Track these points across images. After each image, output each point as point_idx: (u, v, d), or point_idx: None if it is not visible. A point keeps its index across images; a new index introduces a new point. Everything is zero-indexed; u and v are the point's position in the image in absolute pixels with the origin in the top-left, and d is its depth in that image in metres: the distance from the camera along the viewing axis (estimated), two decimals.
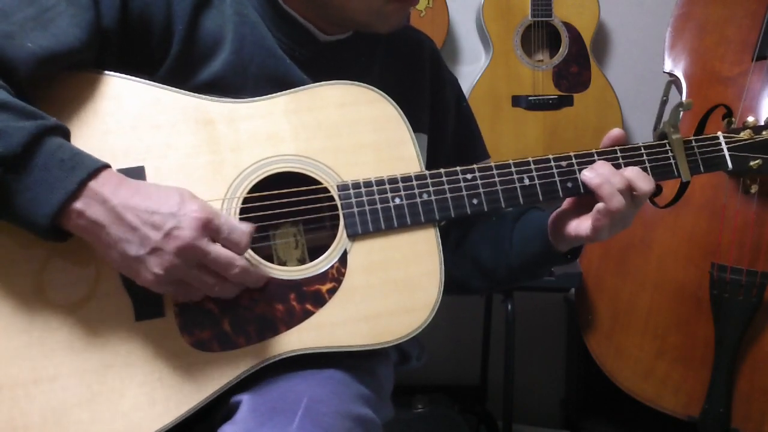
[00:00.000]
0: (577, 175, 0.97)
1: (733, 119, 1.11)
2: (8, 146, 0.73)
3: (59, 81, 0.86)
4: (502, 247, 1.09)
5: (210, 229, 0.78)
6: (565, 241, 1.01)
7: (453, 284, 1.14)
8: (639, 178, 0.94)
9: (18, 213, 0.75)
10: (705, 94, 1.69)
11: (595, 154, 0.99)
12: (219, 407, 0.87)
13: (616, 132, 1.00)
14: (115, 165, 0.84)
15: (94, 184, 0.76)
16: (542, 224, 1.04)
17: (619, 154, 0.99)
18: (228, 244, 0.80)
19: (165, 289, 0.80)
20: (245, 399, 0.84)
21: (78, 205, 0.76)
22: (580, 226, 0.97)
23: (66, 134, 0.80)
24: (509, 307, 1.81)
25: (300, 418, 0.80)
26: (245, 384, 0.86)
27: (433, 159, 1.12)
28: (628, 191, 0.93)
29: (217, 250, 0.78)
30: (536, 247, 1.05)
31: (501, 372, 1.85)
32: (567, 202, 1.02)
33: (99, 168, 0.77)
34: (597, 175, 0.94)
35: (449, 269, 1.13)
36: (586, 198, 0.97)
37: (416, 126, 1.01)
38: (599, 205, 0.93)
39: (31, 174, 0.74)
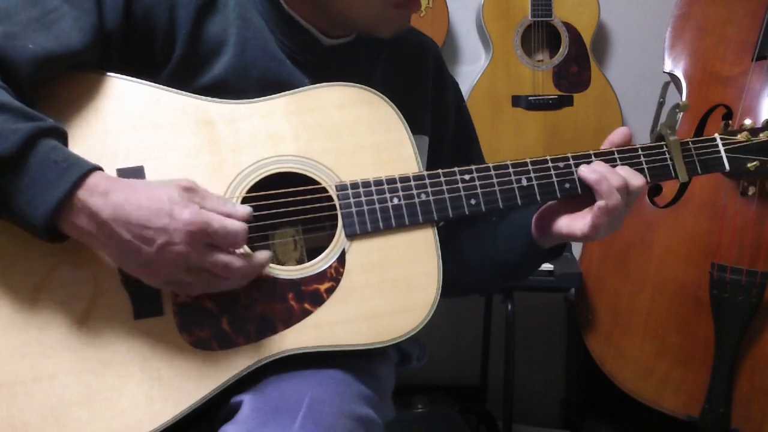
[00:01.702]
0: (575, 175, 0.97)
1: (730, 121, 1.11)
2: (4, 148, 0.74)
3: (61, 81, 0.86)
4: (485, 242, 1.09)
5: (203, 237, 0.77)
6: (553, 238, 1.01)
7: (450, 286, 1.15)
8: (631, 175, 0.96)
9: (17, 214, 0.76)
10: (705, 94, 1.69)
11: (593, 155, 0.99)
12: (219, 408, 0.87)
13: (622, 130, 1.01)
14: (116, 165, 0.85)
15: (82, 194, 0.76)
16: (525, 221, 1.04)
17: (616, 155, 1.00)
18: (224, 246, 0.79)
19: (168, 289, 0.81)
20: (247, 399, 0.84)
21: (70, 216, 0.76)
22: (574, 224, 0.96)
23: (62, 136, 0.80)
24: (509, 307, 1.81)
25: (302, 417, 0.80)
26: (245, 384, 0.86)
27: (433, 160, 1.12)
28: (624, 188, 0.94)
29: (213, 258, 0.78)
30: (518, 243, 1.04)
31: (501, 372, 1.85)
32: (554, 201, 1.02)
33: (89, 171, 0.77)
34: (594, 171, 0.95)
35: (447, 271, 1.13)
36: (575, 198, 0.98)
37: (418, 128, 1.01)
38: (600, 203, 0.93)
39: (27, 175, 0.75)
